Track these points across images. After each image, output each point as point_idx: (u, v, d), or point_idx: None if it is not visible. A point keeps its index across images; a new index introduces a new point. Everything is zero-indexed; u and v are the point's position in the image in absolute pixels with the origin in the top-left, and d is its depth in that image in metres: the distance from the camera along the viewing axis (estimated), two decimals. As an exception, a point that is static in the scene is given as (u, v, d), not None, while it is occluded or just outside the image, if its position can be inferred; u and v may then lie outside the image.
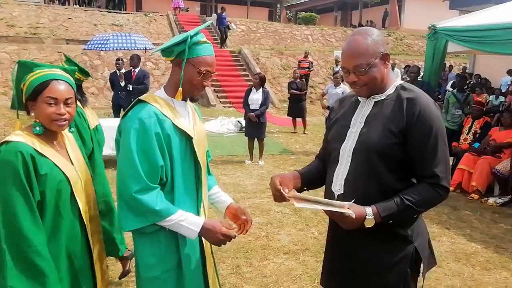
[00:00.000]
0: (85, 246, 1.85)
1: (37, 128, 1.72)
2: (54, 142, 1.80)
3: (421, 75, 8.45)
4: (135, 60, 8.86)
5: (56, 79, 1.73)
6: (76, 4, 23.32)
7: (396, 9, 26.96)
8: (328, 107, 9.01)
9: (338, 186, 1.79)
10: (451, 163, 6.77)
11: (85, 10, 19.28)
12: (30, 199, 1.62)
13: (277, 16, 32.78)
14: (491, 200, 5.80)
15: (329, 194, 1.82)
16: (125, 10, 22.27)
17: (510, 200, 5.80)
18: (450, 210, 5.47)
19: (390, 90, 1.77)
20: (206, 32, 19.16)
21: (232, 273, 3.67)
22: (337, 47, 19.62)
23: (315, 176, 2.00)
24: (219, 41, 18.71)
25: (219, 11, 18.12)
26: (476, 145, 6.36)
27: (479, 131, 6.56)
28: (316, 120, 12.28)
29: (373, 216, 1.64)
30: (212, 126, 10.76)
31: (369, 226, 1.64)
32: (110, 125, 6.94)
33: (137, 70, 8.85)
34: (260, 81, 7.61)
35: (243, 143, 8.16)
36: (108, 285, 2.07)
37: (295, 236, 4.47)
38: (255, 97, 7.47)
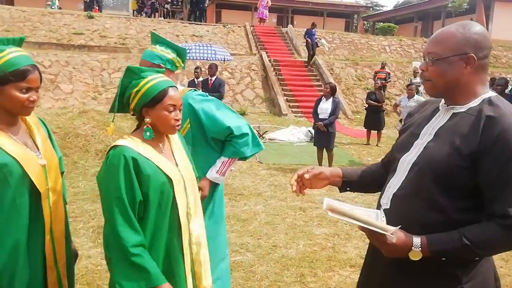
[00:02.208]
0: (179, 249, 1.87)
1: (148, 134, 1.78)
2: (160, 144, 1.86)
3: (509, 89, 7.86)
4: (213, 69, 9.25)
5: (172, 86, 1.83)
6: (161, 17, 24.84)
7: (483, 18, 25.33)
8: (400, 120, 8.70)
9: (386, 199, 1.58)
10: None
11: (168, 22, 20.46)
12: (125, 203, 1.68)
13: (354, 27, 32.29)
14: None
15: (378, 206, 1.63)
16: (205, 22, 23.29)
17: None
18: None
19: (474, 103, 1.48)
20: (281, 43, 19.43)
21: (296, 281, 3.67)
22: (416, 58, 18.85)
23: (365, 179, 1.80)
24: (293, 52, 18.84)
25: (309, 27, 17.12)
26: None
27: None
28: (391, 132, 11.87)
29: (420, 248, 1.39)
30: (283, 135, 10.83)
31: (415, 259, 1.40)
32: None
33: (213, 78, 9.21)
34: (331, 91, 7.57)
35: (313, 153, 8.12)
36: None
37: (363, 249, 4.35)
38: (325, 107, 7.43)
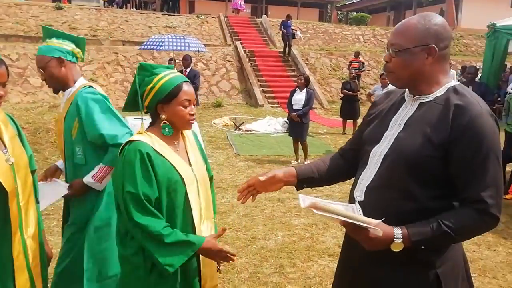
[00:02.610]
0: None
1: (167, 130, 1.78)
2: (175, 142, 1.84)
3: (479, 76, 8.05)
4: (188, 60, 9.13)
5: (185, 81, 1.82)
6: (133, 8, 24.31)
7: (453, 8, 25.80)
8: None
9: (359, 192, 1.59)
10: (510, 168, 6.42)
11: (141, 13, 20.05)
12: (141, 198, 1.65)
13: (328, 17, 32.43)
14: (554, 210, 5.41)
15: (351, 199, 1.64)
16: (179, 13, 22.92)
17: None
18: (508, 218, 5.16)
19: (439, 92, 1.51)
20: (256, 33, 19.34)
21: (275, 272, 3.68)
22: (389, 48, 19.07)
23: (321, 174, 1.79)
24: (269, 42, 18.79)
25: (284, 19, 16.77)
26: (539, 150, 5.96)
27: (542, 135, 6.14)
28: (366, 122, 12.00)
29: (402, 240, 1.41)
30: (260, 126, 10.82)
31: (396, 250, 1.42)
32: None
33: (188, 70, 9.09)
34: (305, 82, 7.63)
35: (290, 143, 8.14)
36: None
37: (341, 238, 4.33)
38: (299, 97, 7.48)
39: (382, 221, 1.42)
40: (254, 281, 3.51)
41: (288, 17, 16.60)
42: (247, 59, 16.45)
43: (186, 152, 1.88)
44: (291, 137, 7.77)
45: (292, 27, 16.53)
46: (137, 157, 1.68)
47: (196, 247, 1.71)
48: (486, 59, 6.66)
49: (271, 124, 10.96)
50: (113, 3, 24.95)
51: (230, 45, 17.72)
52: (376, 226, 1.40)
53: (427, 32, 1.48)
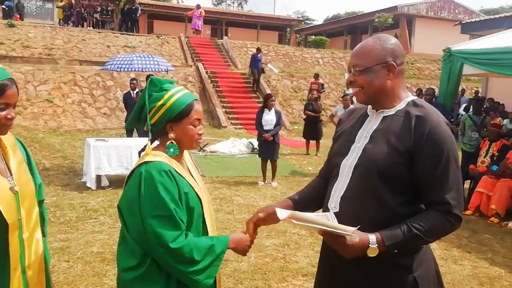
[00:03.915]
0: None
1: (172, 150, 1.68)
2: (182, 162, 1.76)
3: (435, 98, 8.43)
4: (150, 80, 8.94)
5: (196, 99, 1.74)
6: (89, 27, 23.83)
7: (406, 33, 27.21)
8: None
9: (334, 203, 1.66)
10: (468, 186, 6.69)
11: (98, 32, 19.62)
12: (175, 218, 1.58)
13: (287, 40, 33.20)
14: (511, 224, 5.67)
15: (325, 210, 1.71)
16: (138, 33, 22.69)
17: (531, 225, 5.66)
18: (470, 233, 5.35)
19: (400, 106, 1.64)
20: (217, 54, 19.42)
21: (251, 295, 3.59)
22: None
23: (311, 199, 1.86)
24: (230, 64, 18.91)
25: (254, 52, 16.33)
26: (494, 167, 6.27)
27: (496, 153, 6.47)
28: (328, 142, 12.14)
29: (376, 245, 1.49)
30: (224, 147, 10.75)
31: (372, 256, 1.50)
32: (124, 145, 7.01)
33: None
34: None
35: (256, 164, 8.13)
36: None
37: (313, 258, 4.38)
38: (269, 118, 7.47)
39: (358, 229, 1.49)
40: (230, 305, 3.40)
41: (258, 50, 16.40)
42: (209, 80, 16.46)
43: (189, 172, 1.81)
44: (260, 158, 7.71)
45: (262, 62, 16.25)
46: (162, 176, 1.57)
47: (224, 248, 1.67)
48: (442, 82, 6.99)
49: (236, 145, 10.92)
50: (69, 22, 24.36)
51: (191, 66, 17.68)
52: (354, 233, 1.47)
53: (384, 51, 1.62)
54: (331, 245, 1.55)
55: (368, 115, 1.72)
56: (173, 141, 1.69)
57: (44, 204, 1.87)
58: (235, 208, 6.04)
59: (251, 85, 16.72)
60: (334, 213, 1.63)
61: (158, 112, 1.68)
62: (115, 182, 6.89)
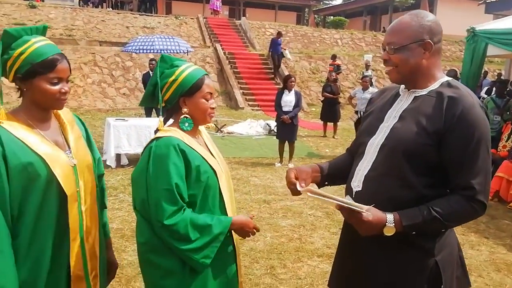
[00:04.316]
0: (231, 242, 1.84)
1: (186, 124, 1.73)
2: (196, 136, 1.80)
3: (458, 80, 8.24)
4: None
5: (206, 74, 1.78)
6: (109, 7, 23.91)
7: (427, 14, 26.41)
8: (356, 112, 8.90)
9: (357, 182, 1.64)
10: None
11: (118, 13, 19.71)
12: (175, 196, 1.61)
13: (305, 20, 32.71)
14: (531, 210, 5.58)
15: (348, 190, 1.69)
16: (156, 13, 22.67)
17: (552, 210, 5.56)
18: (489, 218, 5.29)
19: (434, 86, 1.59)
20: (235, 35, 19.30)
21: (267, 273, 3.65)
22: (367, 52, 19.38)
23: (340, 170, 1.84)
24: (248, 45, 18.78)
25: (275, 36, 16.12)
26: (516, 152, 6.14)
27: (519, 138, 6.33)
28: (345, 124, 12.14)
29: (393, 224, 1.47)
30: (241, 128, 10.79)
31: (389, 235, 1.48)
32: (143, 124, 7.10)
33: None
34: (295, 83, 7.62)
35: (273, 146, 8.14)
36: None
37: (329, 239, 4.41)
38: (289, 99, 7.42)
39: (375, 207, 1.48)
40: (246, 283, 3.47)
41: (279, 34, 16.17)
42: (227, 61, 16.41)
43: (207, 146, 1.85)
44: (278, 139, 7.70)
45: (282, 46, 16.08)
46: (170, 152, 1.62)
47: (224, 229, 1.69)
48: (465, 63, 6.82)
49: (253, 126, 10.94)
50: (89, 2, 24.49)
51: (209, 47, 17.63)
52: (368, 210, 1.46)
53: (421, 28, 1.55)
54: (348, 219, 1.54)
55: (400, 95, 1.67)
56: (187, 115, 1.73)
57: (104, 178, 1.93)
58: (251, 189, 6.09)
59: (270, 68, 16.62)
60: (356, 191, 1.63)
61: (171, 88, 1.73)
62: (134, 161, 7.01)
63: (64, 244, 1.59)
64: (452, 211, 1.48)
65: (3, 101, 1.56)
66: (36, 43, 1.54)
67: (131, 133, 6.92)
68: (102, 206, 1.85)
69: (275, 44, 15.80)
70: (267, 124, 10.85)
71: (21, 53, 1.52)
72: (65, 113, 1.73)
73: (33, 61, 1.51)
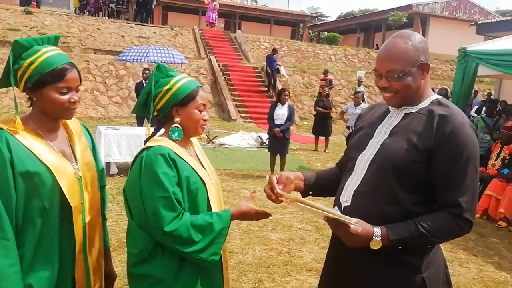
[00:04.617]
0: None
1: (176, 134, 1.72)
2: (187, 147, 1.79)
3: (448, 99, 8.35)
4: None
5: (200, 86, 1.79)
6: (105, 16, 23.95)
7: (420, 32, 26.86)
8: (348, 127, 8.95)
9: (346, 197, 1.63)
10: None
11: (113, 22, 19.74)
12: (173, 201, 1.60)
13: (300, 36, 33.03)
14: (519, 229, 5.62)
15: (337, 204, 1.69)
16: (152, 24, 22.76)
17: (540, 230, 5.60)
18: (477, 236, 5.31)
19: (424, 104, 1.60)
20: (230, 48, 19.41)
21: (254, 287, 3.61)
22: (360, 68, 19.59)
23: (326, 182, 1.85)
24: (242, 57, 18.89)
25: (270, 53, 16.30)
26: (505, 171, 6.20)
27: (508, 157, 6.39)
28: (337, 139, 12.19)
29: (380, 238, 1.48)
30: (233, 140, 10.78)
31: (375, 248, 1.48)
32: (134, 133, 7.06)
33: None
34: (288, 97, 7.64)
35: (264, 158, 8.14)
36: None
37: (318, 254, 4.39)
38: (281, 112, 7.45)
39: (367, 222, 1.49)
40: (233, 296, 3.43)
41: (274, 51, 16.25)
42: (221, 72, 16.47)
43: (197, 157, 1.84)
44: (269, 152, 7.69)
45: (277, 63, 16.16)
46: (159, 161, 1.61)
47: (226, 224, 1.69)
48: (456, 82, 6.92)
49: (245, 138, 10.95)
50: (85, 11, 24.53)
51: (204, 58, 17.70)
52: (357, 223, 1.46)
53: (417, 51, 1.56)
54: (335, 231, 1.54)
55: (390, 111, 1.69)
56: (178, 125, 1.72)
57: (106, 189, 1.92)
58: (241, 201, 6.06)
59: (263, 81, 16.70)
60: (345, 206, 1.62)
61: (165, 97, 1.72)
62: (124, 170, 6.95)
63: (69, 256, 1.59)
64: (438, 227, 1.50)
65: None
66: (46, 53, 1.55)
67: (122, 142, 6.86)
68: (102, 217, 1.84)
69: (270, 61, 15.91)
70: (259, 136, 10.86)
71: (31, 63, 1.52)
72: (73, 123, 1.74)
73: (42, 70, 1.52)
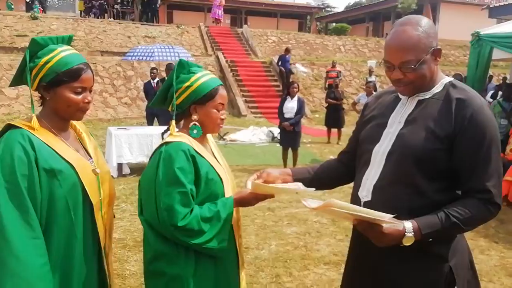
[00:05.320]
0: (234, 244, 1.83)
1: (195, 132, 1.72)
2: (204, 144, 1.80)
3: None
4: (171, 69, 8.97)
5: (221, 85, 1.78)
6: (110, 18, 24.03)
7: (430, 19, 26.39)
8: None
9: (365, 192, 1.58)
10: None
11: (119, 23, 19.79)
12: (188, 195, 1.60)
13: (307, 28, 32.79)
14: (542, 214, 5.47)
15: (355, 201, 1.62)
16: (158, 23, 22.77)
17: (563, 214, 5.44)
18: (498, 223, 5.18)
19: (437, 88, 1.55)
20: (237, 44, 19.34)
21: (272, 282, 3.56)
22: (370, 58, 19.36)
23: (319, 176, 1.81)
24: (250, 53, 18.79)
25: (283, 53, 15.62)
26: (524, 156, 6.05)
27: (526, 141, 6.24)
28: (349, 130, 12.00)
29: (413, 233, 1.41)
30: (244, 135, 10.73)
31: (408, 245, 1.42)
32: (145, 133, 7.05)
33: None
34: (298, 90, 7.56)
35: (276, 153, 8.07)
36: None
37: (335, 246, 4.32)
38: (290, 106, 7.36)
39: (394, 217, 1.40)
40: (251, 293, 3.38)
41: (287, 51, 15.80)
42: (229, 69, 16.41)
43: (213, 154, 1.83)
44: (281, 146, 7.61)
45: (291, 62, 15.80)
46: (180, 156, 1.61)
47: (229, 210, 1.67)
48: (471, 67, 6.76)
49: (256, 133, 10.89)
50: (90, 13, 24.63)
51: (211, 55, 17.65)
52: (390, 220, 1.39)
53: (429, 37, 1.50)
54: (365, 233, 1.46)
55: (400, 99, 1.62)
56: (196, 122, 1.72)
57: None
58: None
59: (272, 75, 16.58)
60: (365, 202, 1.57)
61: (184, 93, 1.72)
62: (136, 170, 6.95)
63: (92, 254, 1.61)
64: (470, 216, 1.45)
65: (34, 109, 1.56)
66: (62, 52, 1.56)
67: (133, 142, 6.86)
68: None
69: (283, 61, 15.49)
70: (270, 131, 10.79)
71: (47, 62, 1.53)
72: (80, 124, 1.76)
73: (58, 70, 1.52)
